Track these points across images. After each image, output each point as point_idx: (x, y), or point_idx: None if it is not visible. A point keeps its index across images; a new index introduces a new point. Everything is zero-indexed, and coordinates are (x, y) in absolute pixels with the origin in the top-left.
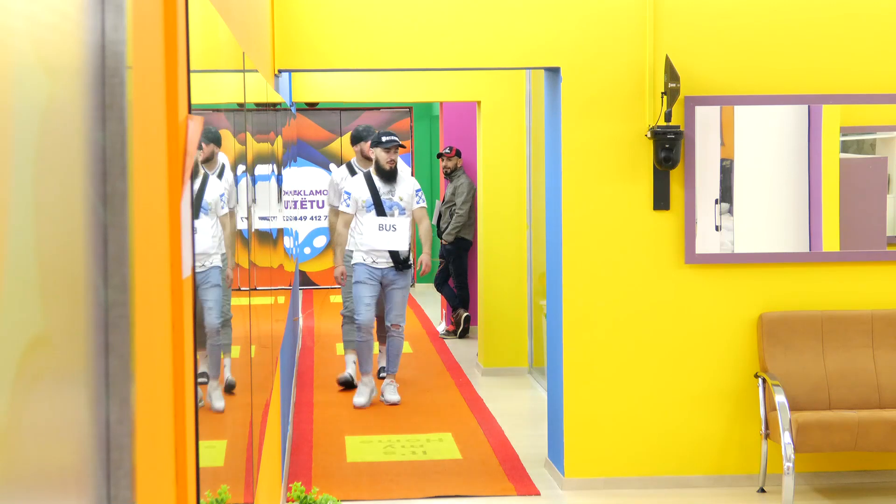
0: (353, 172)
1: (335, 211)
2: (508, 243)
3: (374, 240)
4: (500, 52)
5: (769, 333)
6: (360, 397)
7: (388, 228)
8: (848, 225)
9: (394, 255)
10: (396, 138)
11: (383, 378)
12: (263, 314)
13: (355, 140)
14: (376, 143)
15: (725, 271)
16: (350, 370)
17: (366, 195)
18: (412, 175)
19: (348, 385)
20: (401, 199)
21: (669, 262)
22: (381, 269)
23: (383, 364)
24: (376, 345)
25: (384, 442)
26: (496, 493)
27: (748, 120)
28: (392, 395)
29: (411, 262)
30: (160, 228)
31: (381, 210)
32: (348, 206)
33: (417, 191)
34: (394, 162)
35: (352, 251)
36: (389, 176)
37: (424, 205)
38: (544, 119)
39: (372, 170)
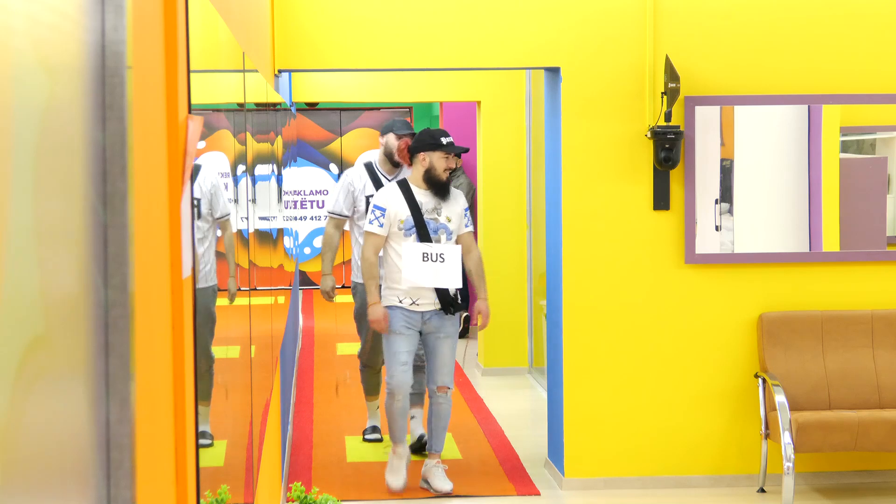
0: (374, 177)
1: (338, 222)
2: (508, 243)
3: (417, 274)
4: (500, 52)
5: (769, 333)
6: (394, 477)
7: (434, 258)
8: (848, 225)
9: (441, 293)
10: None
11: (422, 453)
12: (263, 314)
13: (386, 132)
14: (432, 146)
15: (725, 271)
16: (374, 418)
17: (405, 213)
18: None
19: (376, 434)
20: (449, 220)
21: (669, 262)
22: (422, 312)
23: (420, 432)
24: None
25: (384, 442)
26: (496, 493)
27: (748, 120)
28: (441, 481)
29: (461, 301)
30: (160, 228)
31: (424, 234)
32: (381, 225)
33: (466, 210)
34: (451, 171)
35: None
36: (442, 189)
37: (472, 228)
38: (544, 119)
39: (413, 178)
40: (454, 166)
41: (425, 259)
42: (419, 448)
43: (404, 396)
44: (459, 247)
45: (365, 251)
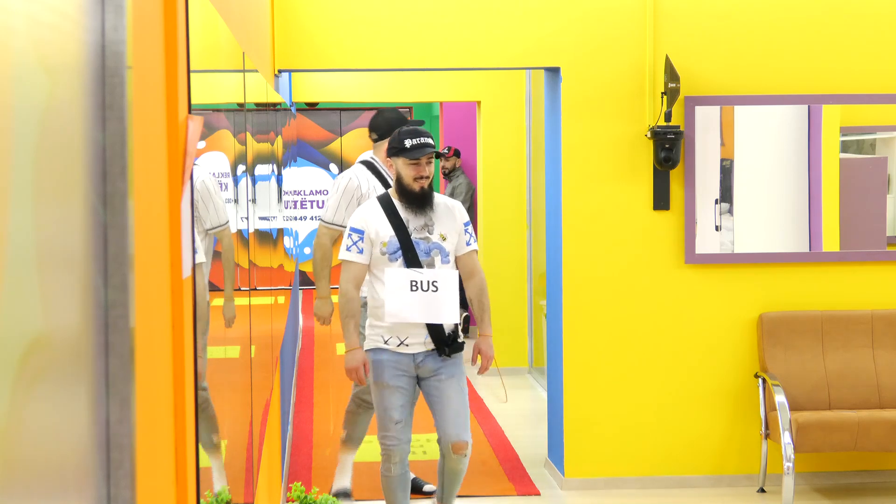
0: (379, 175)
1: (335, 234)
2: (508, 243)
3: (403, 307)
4: (500, 52)
5: (769, 333)
6: None
7: (425, 287)
8: (848, 225)
9: (435, 331)
10: (430, 140)
11: (426, 493)
12: (263, 314)
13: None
14: (397, 150)
15: (725, 271)
16: (346, 475)
17: (388, 233)
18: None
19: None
20: (443, 239)
21: (669, 262)
22: (413, 354)
23: (429, 488)
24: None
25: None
26: (496, 493)
27: (748, 120)
28: None
29: (462, 339)
30: (160, 228)
31: (413, 257)
32: (361, 251)
33: (466, 224)
34: (426, 180)
35: (362, 330)
36: (419, 201)
37: (476, 246)
38: (544, 119)
39: (393, 191)
40: (426, 174)
41: (414, 288)
42: (414, 488)
43: (402, 461)
44: (456, 272)
45: (343, 284)
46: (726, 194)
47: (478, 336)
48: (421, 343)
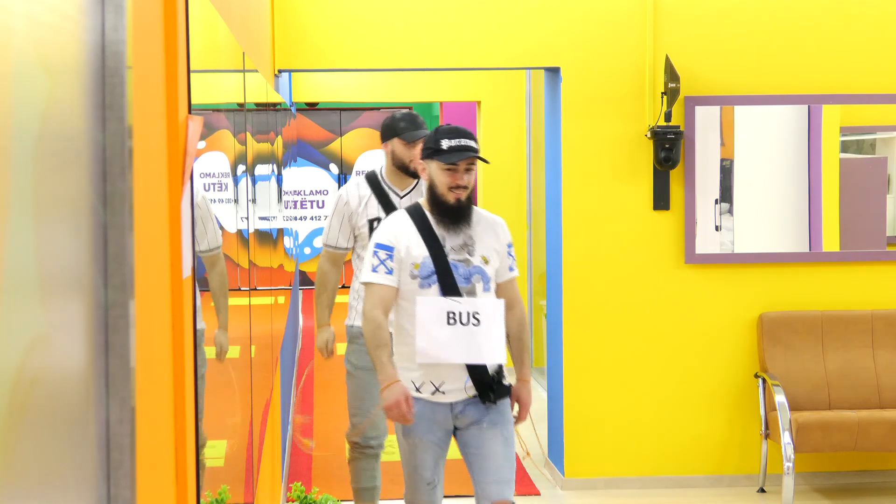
0: (379, 193)
1: (335, 256)
2: None
3: (438, 345)
4: (500, 52)
5: (769, 333)
6: None
7: (465, 320)
8: (848, 225)
9: (476, 373)
10: (472, 143)
11: None
12: (263, 314)
13: (387, 135)
14: (431, 151)
15: (725, 271)
16: None
17: (420, 252)
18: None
19: None
20: (486, 262)
21: (669, 262)
22: (451, 404)
23: None
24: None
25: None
26: None
27: (748, 120)
28: None
29: (508, 381)
30: (160, 228)
31: (450, 284)
32: (390, 271)
33: (510, 246)
34: (463, 190)
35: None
36: (454, 215)
37: (517, 272)
38: (544, 119)
39: (424, 200)
40: (464, 183)
41: (451, 321)
42: None
43: None
44: (501, 302)
45: (369, 310)
46: (726, 194)
47: (517, 381)
48: (460, 389)
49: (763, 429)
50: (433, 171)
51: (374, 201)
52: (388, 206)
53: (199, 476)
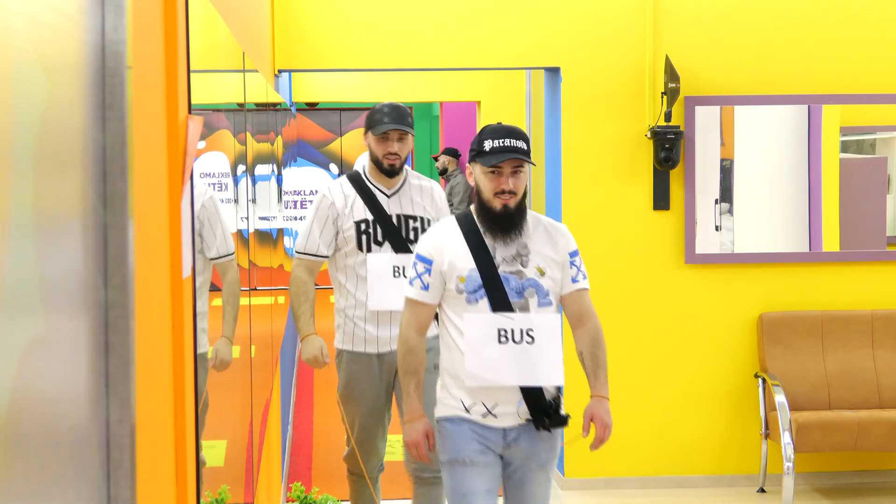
0: (364, 193)
1: (310, 264)
2: None
3: (489, 366)
4: (500, 52)
5: (769, 333)
6: None
7: (518, 338)
8: (848, 225)
9: (531, 395)
10: (520, 143)
11: None
12: (263, 314)
13: (365, 128)
14: (475, 153)
15: (725, 271)
16: None
17: (467, 264)
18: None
19: None
20: (541, 273)
21: (669, 262)
22: (504, 429)
23: None
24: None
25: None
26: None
27: (748, 120)
28: None
29: (566, 413)
30: (160, 228)
31: (501, 298)
32: (426, 287)
33: (573, 254)
34: (512, 196)
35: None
36: (502, 223)
37: (587, 284)
38: (544, 119)
39: (474, 208)
40: (510, 188)
41: (503, 339)
42: None
43: None
44: (559, 317)
45: (403, 329)
46: (726, 194)
47: (591, 398)
48: (513, 413)
49: (763, 429)
50: (477, 174)
51: (359, 202)
52: (376, 207)
53: (199, 476)
